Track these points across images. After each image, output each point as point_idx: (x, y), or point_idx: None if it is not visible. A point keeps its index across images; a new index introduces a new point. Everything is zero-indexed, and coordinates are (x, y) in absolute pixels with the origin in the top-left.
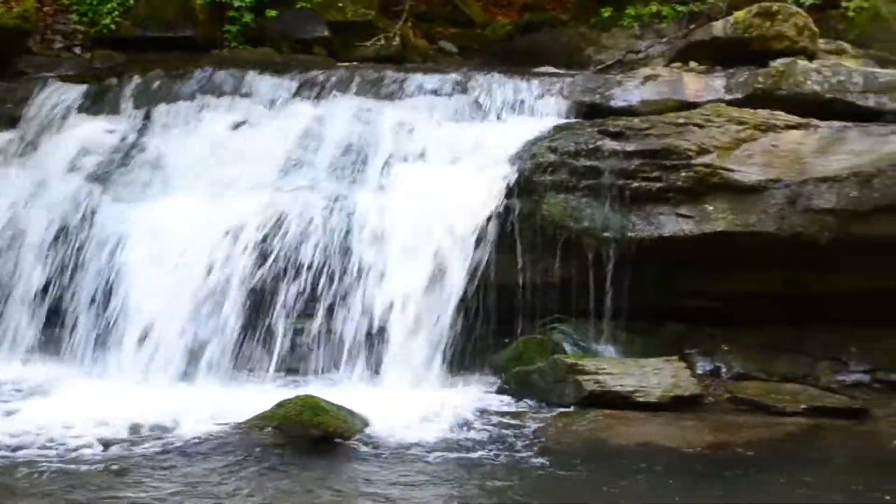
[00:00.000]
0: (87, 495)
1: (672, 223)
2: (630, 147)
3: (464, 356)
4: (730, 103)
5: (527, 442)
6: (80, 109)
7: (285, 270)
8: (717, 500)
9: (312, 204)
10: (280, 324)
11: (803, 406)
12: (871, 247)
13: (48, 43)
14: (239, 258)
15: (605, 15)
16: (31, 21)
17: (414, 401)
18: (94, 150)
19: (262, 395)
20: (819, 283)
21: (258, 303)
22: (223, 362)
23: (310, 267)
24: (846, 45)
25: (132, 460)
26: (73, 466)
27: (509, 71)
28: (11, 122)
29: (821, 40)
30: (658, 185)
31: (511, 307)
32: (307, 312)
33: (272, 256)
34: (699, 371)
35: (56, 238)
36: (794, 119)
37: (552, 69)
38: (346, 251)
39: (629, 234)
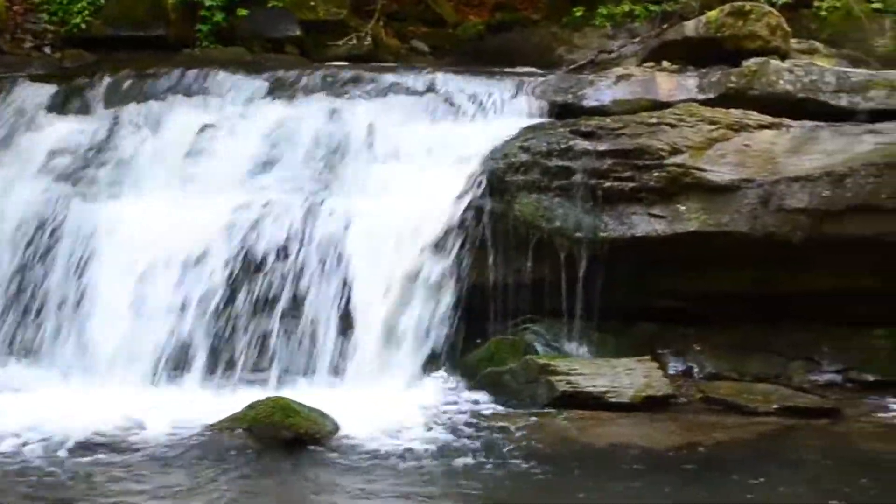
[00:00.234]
0: (48, 501)
1: (644, 223)
2: (602, 147)
3: (435, 357)
4: (702, 103)
5: (498, 443)
6: (51, 109)
7: (256, 271)
8: (690, 500)
9: (283, 204)
10: (251, 325)
11: (776, 406)
12: (843, 246)
13: (18, 42)
14: (209, 259)
15: (577, 14)
16: (1, 20)
17: (385, 402)
18: (65, 149)
19: (232, 396)
20: (792, 282)
21: (229, 303)
22: (193, 364)
23: (280, 268)
24: (819, 45)
25: (97, 464)
26: (34, 471)
27: (481, 70)
28: None
29: (793, 40)
30: (630, 184)
31: (483, 307)
32: (277, 313)
33: (242, 257)
34: (671, 371)
35: (26, 239)
36: (767, 119)
37: (524, 69)
38: (316, 251)
39: (601, 234)
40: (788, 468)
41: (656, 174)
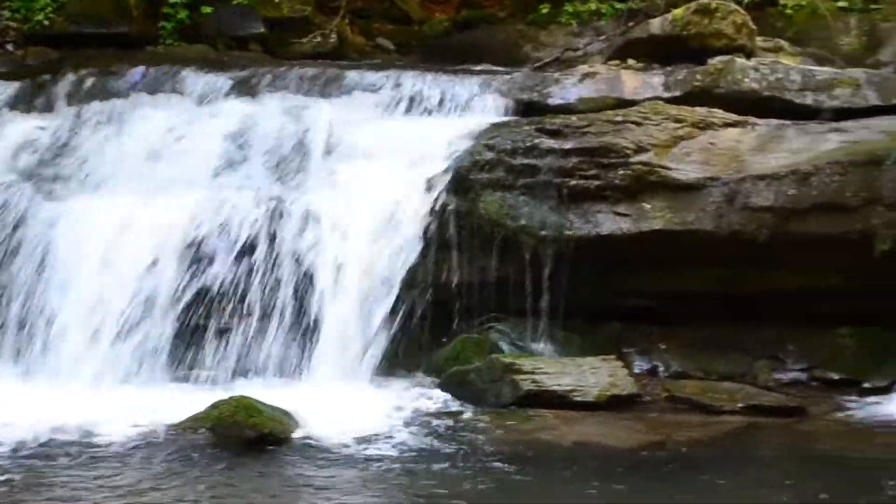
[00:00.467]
0: None
1: (610, 221)
2: (567, 145)
3: (400, 356)
4: (668, 101)
5: (463, 442)
6: (13, 107)
7: (218, 270)
8: (655, 499)
9: (246, 202)
10: (214, 324)
11: (741, 404)
12: (808, 245)
13: None
14: (172, 257)
15: (544, 12)
16: None
17: (350, 401)
18: (27, 148)
19: (196, 396)
20: (757, 281)
21: (191, 303)
22: (156, 363)
23: (243, 266)
24: (784, 43)
25: (56, 466)
26: None
27: (447, 68)
28: None
29: (759, 38)
30: (596, 183)
31: (448, 306)
32: (241, 312)
33: (206, 255)
34: (637, 370)
35: None
36: (732, 117)
37: (490, 66)
38: (279, 250)
39: (566, 232)
40: (753, 466)
41: (621, 172)
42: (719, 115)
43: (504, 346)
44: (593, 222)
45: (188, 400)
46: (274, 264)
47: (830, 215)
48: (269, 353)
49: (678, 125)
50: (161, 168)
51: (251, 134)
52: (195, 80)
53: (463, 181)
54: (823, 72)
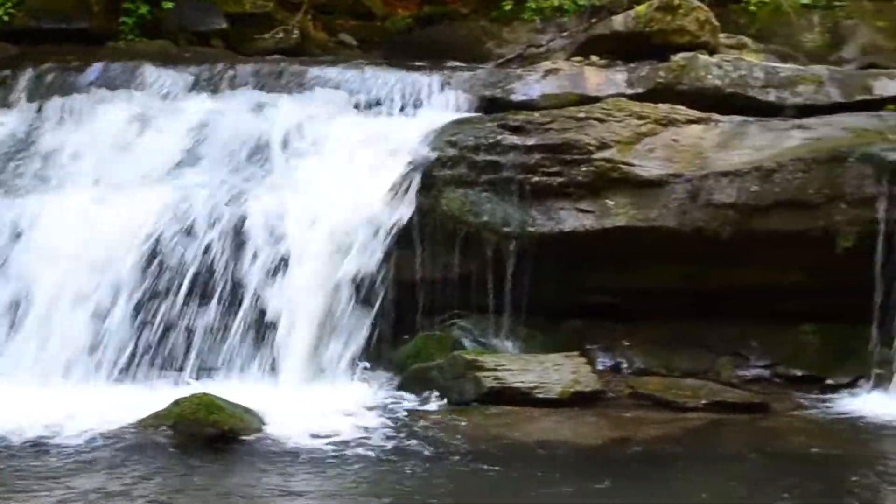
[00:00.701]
0: None
1: (572, 218)
2: (530, 141)
3: (362, 353)
4: (631, 97)
5: (425, 440)
6: None
7: (181, 266)
8: (619, 496)
9: (207, 199)
10: (176, 320)
11: (704, 401)
12: (771, 241)
13: None
14: (133, 254)
15: (506, 8)
16: None
17: (311, 398)
18: None
19: (157, 393)
20: (720, 278)
21: (154, 299)
22: (118, 360)
23: (205, 263)
24: (747, 40)
25: (16, 468)
26: None
27: (409, 64)
28: None
29: (722, 34)
30: (558, 179)
31: (411, 303)
32: (203, 309)
33: (168, 252)
34: (600, 367)
35: None
36: (695, 113)
37: (452, 63)
38: (241, 247)
39: (529, 229)
40: (716, 463)
41: (584, 169)
42: (682, 111)
43: (467, 342)
44: (556, 219)
45: (150, 397)
46: (236, 262)
47: (793, 212)
48: (232, 351)
49: (641, 122)
50: (122, 164)
51: (213, 130)
52: (156, 75)
53: (425, 178)
54: (786, 69)
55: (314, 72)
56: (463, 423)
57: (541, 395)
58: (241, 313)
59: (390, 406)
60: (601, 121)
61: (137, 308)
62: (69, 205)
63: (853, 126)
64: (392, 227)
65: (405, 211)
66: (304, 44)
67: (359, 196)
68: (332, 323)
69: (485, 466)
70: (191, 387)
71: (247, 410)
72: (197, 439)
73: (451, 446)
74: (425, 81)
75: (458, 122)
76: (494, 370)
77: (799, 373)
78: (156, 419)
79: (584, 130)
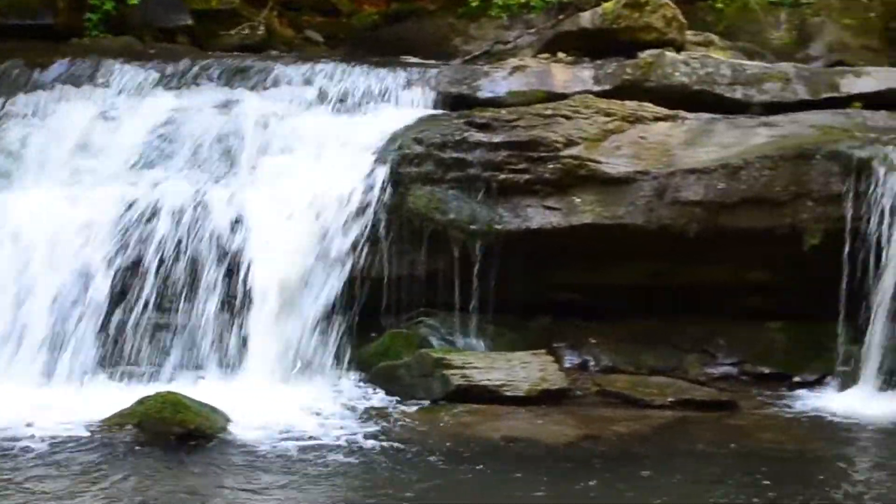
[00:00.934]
0: None
1: (539, 215)
2: (497, 139)
3: (330, 352)
4: (598, 94)
5: (392, 438)
6: None
7: (145, 264)
8: (586, 494)
9: (172, 196)
10: (141, 319)
11: (671, 399)
12: (738, 239)
13: None
14: (97, 251)
15: (474, 5)
16: None
17: (278, 397)
18: None
19: (123, 392)
20: (688, 275)
21: (118, 297)
22: (82, 359)
23: (170, 261)
24: (714, 37)
25: None
26: None
27: (376, 61)
28: None
29: (689, 32)
30: (525, 177)
31: (378, 301)
32: (167, 307)
33: (131, 250)
34: (567, 364)
35: None
36: (663, 111)
37: (419, 59)
38: (207, 244)
39: (496, 226)
40: (684, 461)
41: (551, 166)
42: (649, 108)
43: (434, 340)
44: (523, 216)
45: (116, 396)
46: (203, 259)
47: (760, 209)
48: (198, 349)
49: (608, 119)
50: (87, 162)
51: (178, 127)
52: (122, 72)
53: (392, 175)
54: (753, 66)
55: (280, 68)
56: (430, 422)
57: (508, 393)
58: (206, 312)
59: (357, 404)
60: (568, 118)
61: (102, 307)
62: (33, 202)
63: (820, 123)
64: (358, 225)
65: (371, 208)
66: (270, 40)
67: (323, 193)
68: (299, 321)
69: (452, 465)
70: (156, 385)
71: (213, 409)
72: (163, 438)
73: (418, 445)
74: (392, 78)
75: (425, 120)
76: (462, 368)
77: (766, 370)
78: (121, 418)
79: (551, 128)
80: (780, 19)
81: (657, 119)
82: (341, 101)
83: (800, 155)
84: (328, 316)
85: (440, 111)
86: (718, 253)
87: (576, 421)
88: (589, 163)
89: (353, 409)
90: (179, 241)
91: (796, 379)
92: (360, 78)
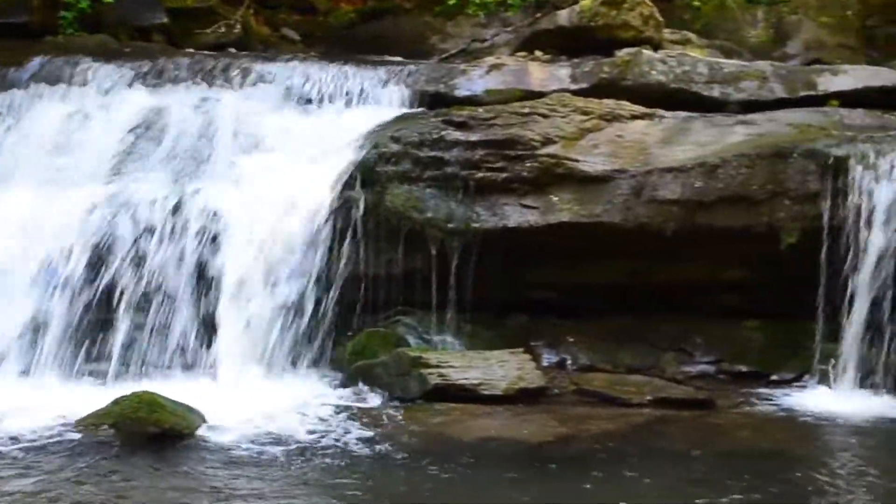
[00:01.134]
0: None
1: (517, 214)
2: (474, 137)
3: (306, 350)
4: (575, 93)
5: (369, 437)
6: None
7: (121, 264)
8: (564, 493)
9: (148, 196)
10: (117, 319)
11: (649, 397)
12: (715, 237)
13: None
14: (73, 251)
15: (451, 3)
16: None
17: (254, 396)
18: None
19: (99, 392)
20: (665, 273)
21: (94, 297)
22: (58, 359)
23: (146, 260)
24: (692, 35)
25: None
26: None
27: (352, 59)
28: None
29: (666, 30)
30: (503, 175)
31: (355, 299)
32: (144, 307)
33: (108, 250)
34: (545, 363)
35: None
36: (640, 109)
37: (396, 58)
38: (182, 244)
39: (473, 224)
40: (661, 459)
41: (528, 165)
42: (627, 107)
43: (411, 339)
44: (500, 215)
45: (92, 396)
46: (178, 258)
47: (737, 208)
48: (175, 348)
49: (585, 117)
50: (62, 161)
51: (154, 126)
52: (97, 70)
53: (369, 173)
54: (730, 64)
55: (257, 67)
56: (407, 421)
57: (485, 392)
58: (182, 311)
59: (334, 403)
60: (545, 116)
61: (78, 306)
62: (9, 201)
63: (797, 122)
64: (335, 224)
65: (348, 207)
66: (247, 38)
67: (301, 192)
68: (276, 320)
69: (429, 464)
70: (132, 385)
71: (189, 409)
72: (139, 438)
73: (395, 444)
74: (369, 76)
75: (402, 118)
76: (439, 367)
77: (744, 369)
78: (96, 418)
79: (529, 126)
80: (758, 17)
81: (634, 117)
82: (318, 99)
83: (777, 153)
84: (304, 315)
85: (417, 109)
86: (696, 251)
87: (554, 420)
88: (566, 161)
89: (329, 408)
90: (155, 241)
91: (774, 377)
92: (336, 76)
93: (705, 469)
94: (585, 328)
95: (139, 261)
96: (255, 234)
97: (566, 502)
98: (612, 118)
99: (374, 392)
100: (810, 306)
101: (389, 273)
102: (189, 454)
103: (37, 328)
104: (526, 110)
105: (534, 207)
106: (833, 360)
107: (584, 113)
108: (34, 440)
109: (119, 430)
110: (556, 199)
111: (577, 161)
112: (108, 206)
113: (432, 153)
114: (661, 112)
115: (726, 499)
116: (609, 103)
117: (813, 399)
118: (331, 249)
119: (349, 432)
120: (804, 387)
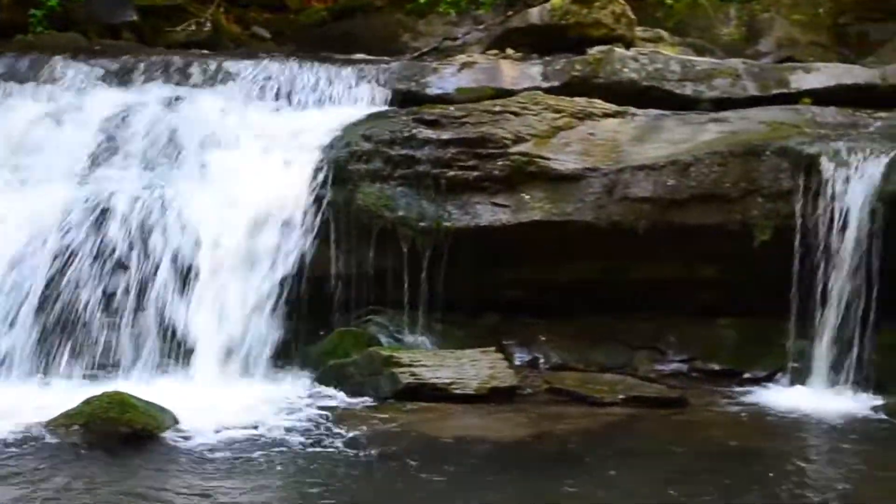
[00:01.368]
0: None
1: (488, 212)
2: (445, 135)
3: (277, 350)
4: (547, 91)
5: (340, 437)
6: None
7: (92, 263)
8: (536, 492)
9: (120, 195)
10: (87, 318)
11: (621, 396)
12: (687, 235)
13: None
14: (42, 251)
15: (422, 1)
16: None
17: (226, 396)
18: None
19: (69, 392)
20: (637, 271)
21: (64, 297)
22: (27, 360)
23: (117, 260)
24: (664, 33)
25: None
26: None
27: (324, 57)
28: None
29: (638, 28)
30: (474, 173)
31: (326, 299)
32: (115, 306)
33: (78, 249)
34: (517, 362)
35: None
36: (612, 107)
37: (367, 56)
38: (154, 243)
39: (445, 223)
40: (635, 458)
41: (500, 163)
42: (599, 105)
43: (383, 338)
44: (472, 213)
45: (62, 396)
46: (148, 257)
47: (710, 206)
48: (146, 348)
49: (557, 115)
50: (31, 160)
51: (125, 124)
52: (67, 69)
53: (340, 172)
54: (703, 62)
55: (227, 65)
56: (379, 420)
57: (457, 391)
58: (153, 310)
59: (306, 403)
60: (517, 114)
61: (47, 307)
62: None
63: (769, 119)
64: (306, 223)
65: (319, 206)
66: (217, 37)
67: (271, 190)
68: (246, 319)
69: (401, 464)
70: (103, 385)
71: (160, 408)
72: (110, 438)
73: (367, 444)
74: (339, 75)
75: (373, 116)
76: (411, 366)
77: (716, 367)
78: (66, 419)
79: (500, 124)
80: (730, 15)
81: (606, 115)
82: (288, 97)
83: (749, 151)
84: (277, 314)
85: (389, 108)
86: (668, 249)
87: (527, 419)
88: (538, 160)
89: (301, 407)
90: (126, 241)
91: (747, 375)
92: (307, 74)
93: (679, 467)
94: (558, 327)
95: (111, 259)
96: (228, 232)
97: (542, 501)
98: (583, 116)
99: (347, 391)
100: (783, 304)
101: (361, 272)
102: (160, 455)
103: (7, 330)
104: (497, 108)
105: (505, 206)
106: (806, 358)
107: (556, 111)
108: (3, 441)
109: (90, 431)
110: (527, 197)
111: (548, 159)
112: (79, 205)
113: (403, 151)
114: (633, 110)
115: (699, 496)
116: (581, 101)
117: (786, 397)
118: (302, 249)
119: (319, 432)
120: (777, 385)
